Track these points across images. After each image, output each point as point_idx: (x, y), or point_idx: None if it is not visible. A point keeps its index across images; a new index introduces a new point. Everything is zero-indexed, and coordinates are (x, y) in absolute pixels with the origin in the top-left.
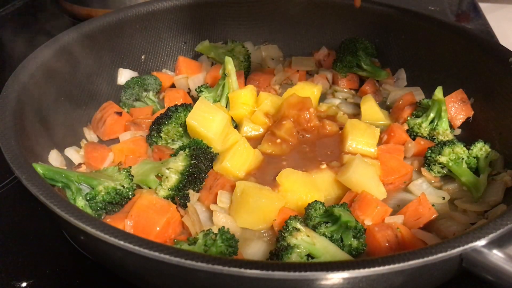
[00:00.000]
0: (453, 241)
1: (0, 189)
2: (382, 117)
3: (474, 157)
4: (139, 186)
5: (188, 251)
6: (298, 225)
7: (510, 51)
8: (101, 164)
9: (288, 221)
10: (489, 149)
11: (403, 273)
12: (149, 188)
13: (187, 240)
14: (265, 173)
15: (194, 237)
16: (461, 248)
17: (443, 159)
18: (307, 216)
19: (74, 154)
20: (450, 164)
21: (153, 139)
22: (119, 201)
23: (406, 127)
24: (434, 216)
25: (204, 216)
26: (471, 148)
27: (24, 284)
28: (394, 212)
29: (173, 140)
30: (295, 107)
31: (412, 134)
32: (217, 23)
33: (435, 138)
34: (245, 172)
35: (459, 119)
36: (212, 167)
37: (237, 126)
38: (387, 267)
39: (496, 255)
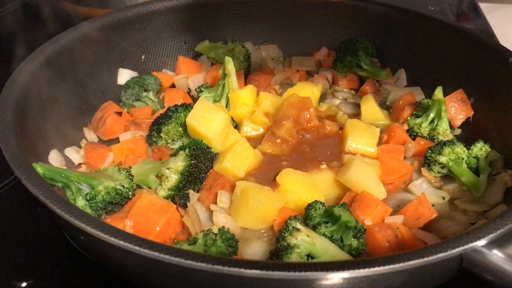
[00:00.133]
0: (453, 241)
1: (0, 189)
2: (382, 117)
3: (474, 157)
4: (139, 186)
5: (188, 251)
6: (298, 225)
7: (510, 51)
8: (101, 164)
9: (288, 221)
10: (489, 149)
11: (403, 273)
12: (149, 188)
13: (187, 240)
14: (265, 173)
15: (194, 237)
16: (461, 248)
17: (443, 159)
18: (307, 216)
19: (74, 154)
20: (450, 164)
21: (153, 139)
22: (119, 201)
23: (406, 127)
24: (434, 216)
25: (204, 216)
26: (471, 148)
27: (24, 284)
28: (394, 212)
29: (173, 140)
30: (295, 107)
31: (412, 134)
32: (217, 23)
33: (435, 138)
34: (245, 172)
35: (459, 119)
36: (212, 167)
37: (237, 126)
38: (387, 267)
39: (496, 255)
